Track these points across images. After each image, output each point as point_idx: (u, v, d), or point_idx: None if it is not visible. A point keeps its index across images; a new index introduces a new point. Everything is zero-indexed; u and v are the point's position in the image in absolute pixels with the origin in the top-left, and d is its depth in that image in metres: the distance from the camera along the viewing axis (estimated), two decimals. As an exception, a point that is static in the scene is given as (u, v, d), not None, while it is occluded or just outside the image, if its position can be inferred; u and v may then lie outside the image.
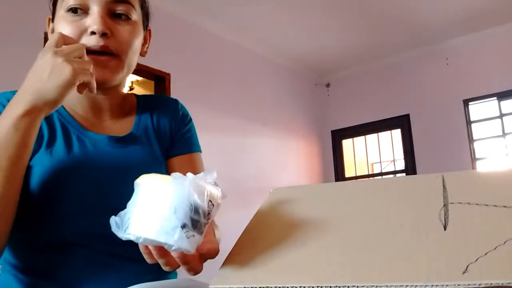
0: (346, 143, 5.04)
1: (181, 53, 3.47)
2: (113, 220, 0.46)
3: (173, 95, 3.30)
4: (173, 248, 0.43)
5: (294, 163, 4.54)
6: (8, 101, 0.65)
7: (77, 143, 0.73)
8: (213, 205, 0.47)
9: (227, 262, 0.51)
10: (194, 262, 0.49)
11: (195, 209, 0.44)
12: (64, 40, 0.63)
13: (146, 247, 0.48)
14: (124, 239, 0.45)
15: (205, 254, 0.50)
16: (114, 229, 0.46)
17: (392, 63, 4.68)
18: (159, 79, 3.30)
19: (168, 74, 3.31)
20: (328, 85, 5.16)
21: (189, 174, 0.47)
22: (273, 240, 0.53)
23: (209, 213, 0.46)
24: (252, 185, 3.82)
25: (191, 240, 0.44)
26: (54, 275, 0.67)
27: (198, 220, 0.44)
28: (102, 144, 0.75)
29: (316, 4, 3.54)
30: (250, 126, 4.04)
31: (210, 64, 3.75)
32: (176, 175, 0.46)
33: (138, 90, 4.26)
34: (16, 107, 0.59)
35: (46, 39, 2.63)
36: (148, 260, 0.50)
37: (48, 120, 0.73)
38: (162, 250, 0.47)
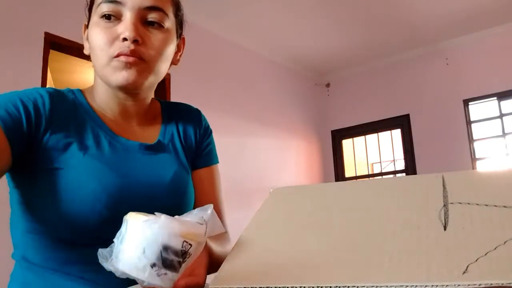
0: (346, 143, 5.04)
1: (181, 53, 3.47)
2: (100, 252, 0.49)
3: (173, 95, 3.30)
4: (145, 283, 0.47)
5: (294, 163, 4.54)
6: (40, 95, 0.69)
7: (109, 149, 0.73)
8: (190, 245, 0.49)
9: (227, 262, 0.51)
10: None
11: (165, 249, 0.47)
12: None
13: None
14: (107, 270, 0.48)
15: None
16: (100, 260, 0.49)
17: (392, 63, 4.67)
18: (159, 79, 3.29)
19: (168, 74, 3.30)
20: (328, 85, 5.16)
21: (163, 216, 0.49)
22: (273, 240, 0.53)
23: (185, 252, 0.49)
24: (252, 185, 3.82)
25: (163, 277, 0.47)
26: (84, 271, 0.67)
27: (170, 259, 0.47)
28: (133, 150, 0.75)
29: (316, 4, 3.54)
30: (250, 126, 4.04)
31: (210, 64, 3.75)
32: (152, 216, 0.49)
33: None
34: None
35: (46, 39, 2.64)
36: None
37: (79, 123, 0.73)
38: None
